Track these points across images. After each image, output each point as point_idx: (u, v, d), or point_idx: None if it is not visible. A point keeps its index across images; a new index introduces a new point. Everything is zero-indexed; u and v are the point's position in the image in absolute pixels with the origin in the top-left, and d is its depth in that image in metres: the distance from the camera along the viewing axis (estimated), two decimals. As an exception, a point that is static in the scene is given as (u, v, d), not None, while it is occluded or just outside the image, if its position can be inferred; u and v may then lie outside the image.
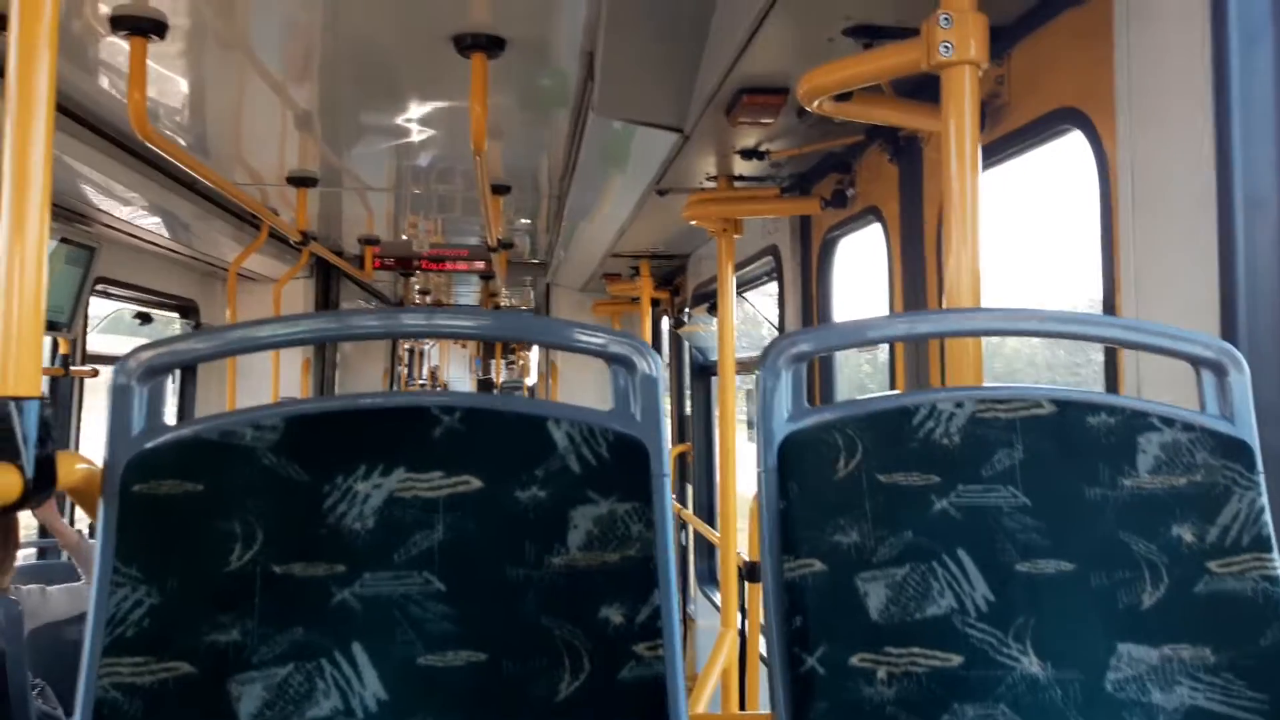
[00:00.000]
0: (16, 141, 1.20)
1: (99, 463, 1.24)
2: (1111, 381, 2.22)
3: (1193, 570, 1.34)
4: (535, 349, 16.31)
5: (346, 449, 1.25)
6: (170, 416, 1.26)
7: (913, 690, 1.26)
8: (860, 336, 1.47)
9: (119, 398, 1.23)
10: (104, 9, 3.15)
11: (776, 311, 5.06)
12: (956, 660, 1.27)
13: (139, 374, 1.24)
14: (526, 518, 1.26)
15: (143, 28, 3.20)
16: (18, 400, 1.17)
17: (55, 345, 5.64)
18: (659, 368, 1.33)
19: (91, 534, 5.67)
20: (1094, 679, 1.29)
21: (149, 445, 1.23)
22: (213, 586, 1.20)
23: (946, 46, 1.98)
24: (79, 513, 5.72)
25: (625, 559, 1.26)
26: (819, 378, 4.30)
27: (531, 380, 22.21)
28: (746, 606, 4.39)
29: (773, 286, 5.16)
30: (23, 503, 1.17)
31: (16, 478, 1.16)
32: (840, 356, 4.40)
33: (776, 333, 5.20)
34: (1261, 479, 1.39)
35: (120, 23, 3.18)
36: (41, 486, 1.18)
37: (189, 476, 1.22)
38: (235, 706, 1.16)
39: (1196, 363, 1.44)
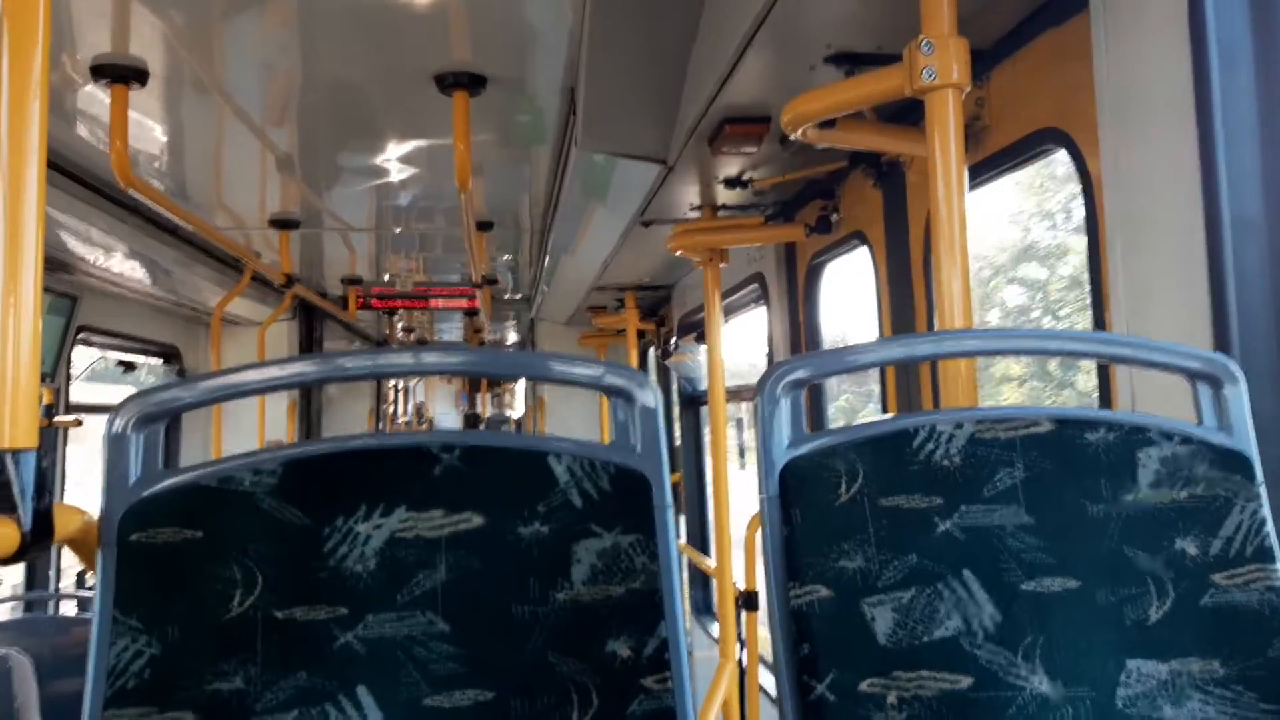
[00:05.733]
0: (9, 195, 1.19)
1: (95, 512, 1.22)
2: (1105, 397, 2.22)
3: (1198, 583, 1.34)
4: (521, 381, 16.25)
5: (346, 491, 1.24)
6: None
7: (923, 714, 1.25)
8: (857, 361, 1.46)
9: (114, 447, 1.22)
10: (84, 58, 3.15)
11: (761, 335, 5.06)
12: (966, 682, 1.26)
13: (133, 423, 1.23)
14: (530, 554, 1.24)
15: (124, 76, 3.20)
16: (14, 452, 1.16)
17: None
18: (657, 398, 1.32)
19: (81, 582, 5.61)
20: (1105, 696, 1.28)
21: (146, 493, 1.21)
22: (214, 634, 1.18)
23: (929, 71, 2.00)
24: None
25: (630, 592, 1.25)
26: (809, 402, 4.29)
27: (518, 413, 22.15)
28: (744, 637, 4.36)
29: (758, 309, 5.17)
30: (20, 555, 1.15)
31: (14, 530, 1.14)
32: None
33: (761, 358, 5.20)
34: (1263, 490, 1.38)
35: (101, 71, 3.18)
36: (39, 538, 1.16)
37: (187, 524, 1.20)
38: None
39: (1192, 376, 1.44)
